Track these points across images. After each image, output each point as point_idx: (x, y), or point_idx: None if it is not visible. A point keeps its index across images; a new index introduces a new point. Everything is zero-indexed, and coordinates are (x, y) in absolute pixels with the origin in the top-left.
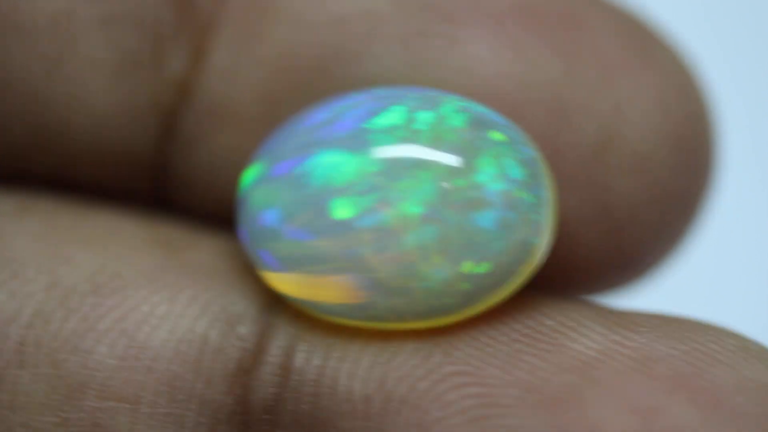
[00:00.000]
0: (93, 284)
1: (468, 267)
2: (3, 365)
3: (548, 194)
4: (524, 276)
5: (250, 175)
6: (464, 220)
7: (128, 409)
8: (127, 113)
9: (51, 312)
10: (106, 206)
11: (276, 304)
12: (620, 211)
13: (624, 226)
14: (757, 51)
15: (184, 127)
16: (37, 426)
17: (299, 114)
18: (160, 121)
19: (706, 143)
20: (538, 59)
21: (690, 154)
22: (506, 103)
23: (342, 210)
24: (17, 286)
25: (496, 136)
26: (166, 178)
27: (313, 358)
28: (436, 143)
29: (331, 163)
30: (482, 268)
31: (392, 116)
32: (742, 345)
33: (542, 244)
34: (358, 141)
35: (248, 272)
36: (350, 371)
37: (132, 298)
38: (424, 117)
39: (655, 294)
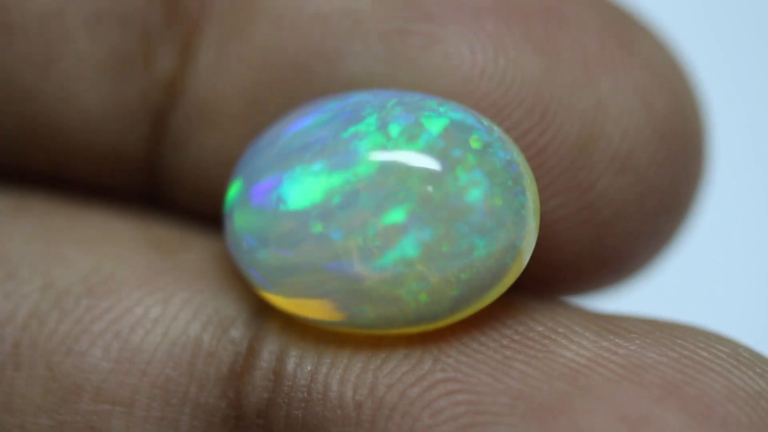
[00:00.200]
0: (87, 286)
1: (453, 274)
2: None
3: (531, 197)
4: (511, 279)
5: (232, 192)
6: (447, 228)
7: (123, 412)
8: (117, 112)
9: (46, 314)
10: (100, 206)
11: (267, 307)
12: (605, 210)
13: (609, 225)
14: (745, 44)
15: (174, 126)
16: (32, 428)
17: (278, 122)
18: (150, 119)
19: (692, 139)
20: (519, 57)
21: (676, 151)
22: (487, 102)
23: (322, 224)
24: (12, 288)
25: (475, 141)
26: (157, 177)
27: (304, 364)
28: (414, 151)
29: (309, 178)
30: (468, 273)
31: (370, 124)
32: (733, 352)
33: (527, 246)
34: (337, 152)
35: (240, 274)
36: (341, 377)
37: (126, 300)
38: (402, 124)
39: (643, 294)
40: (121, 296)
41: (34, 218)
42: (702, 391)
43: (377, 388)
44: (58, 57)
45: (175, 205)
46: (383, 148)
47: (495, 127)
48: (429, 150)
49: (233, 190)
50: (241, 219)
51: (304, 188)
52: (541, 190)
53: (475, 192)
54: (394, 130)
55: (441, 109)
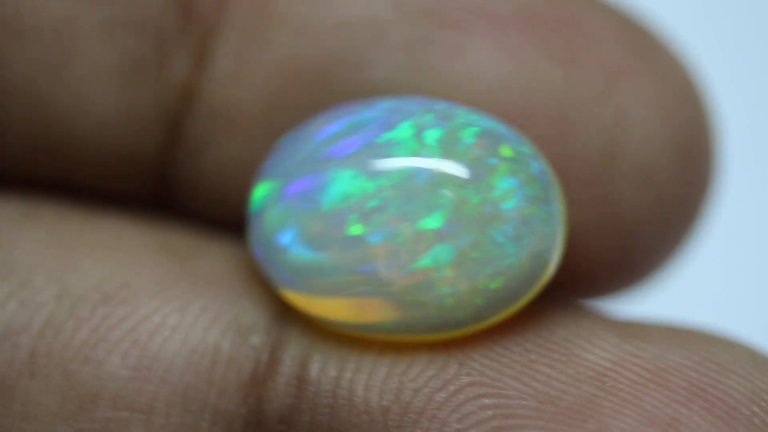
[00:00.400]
0: (102, 293)
1: (482, 282)
2: (15, 375)
3: (559, 208)
4: (537, 288)
5: (260, 192)
6: (479, 236)
7: (141, 419)
8: (131, 118)
9: (62, 322)
10: (112, 212)
11: (287, 313)
12: (626, 217)
13: (629, 232)
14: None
15: (189, 132)
16: None
17: (306, 125)
18: (164, 125)
19: (707, 147)
20: (541, 67)
21: (692, 159)
22: (510, 111)
23: (357, 226)
24: (27, 296)
25: (508, 150)
26: (170, 183)
27: (328, 369)
28: (448, 158)
29: (345, 181)
30: (496, 282)
31: (404, 131)
32: (753, 356)
33: (555, 256)
34: (371, 157)
35: (258, 281)
36: (366, 382)
37: (143, 308)
38: (436, 132)
39: (659, 298)
40: (137, 304)
41: (47, 224)
42: (726, 393)
43: (403, 393)
44: (71, 62)
45: (188, 211)
46: (417, 154)
47: (524, 137)
48: (463, 157)
49: (261, 190)
50: (272, 217)
51: (338, 191)
52: (566, 198)
53: (508, 200)
54: (428, 137)
55: (472, 118)
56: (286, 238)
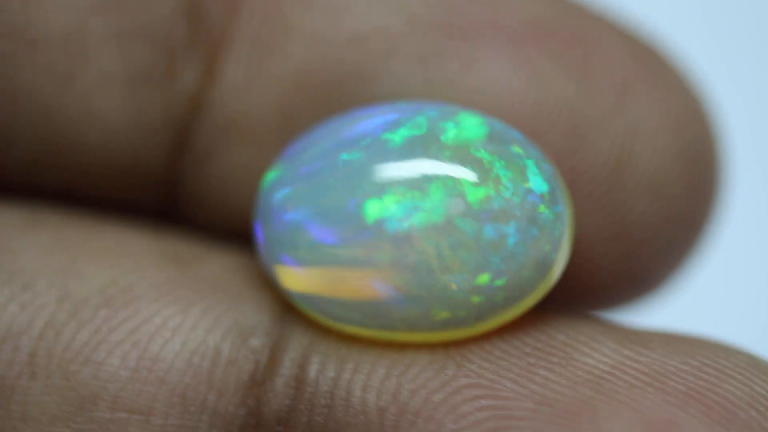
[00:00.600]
0: (104, 297)
1: (485, 279)
2: (14, 376)
3: (567, 213)
4: (540, 292)
5: (271, 176)
6: (485, 232)
7: (140, 420)
8: (139, 128)
9: (62, 324)
10: (116, 220)
11: (288, 316)
12: (634, 230)
13: (638, 245)
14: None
15: (197, 142)
16: None
17: (319, 124)
18: (172, 135)
19: (714, 161)
20: (553, 79)
21: (700, 172)
22: (522, 123)
23: (366, 214)
24: (28, 299)
25: (518, 149)
26: (177, 193)
27: (326, 370)
28: (458, 154)
29: (356, 167)
30: (500, 281)
31: (413, 127)
32: (752, 361)
33: (560, 260)
34: (380, 150)
35: (260, 285)
36: (364, 383)
37: (144, 310)
38: (446, 128)
39: (665, 309)
40: (139, 307)
41: (51, 231)
42: (724, 397)
43: (401, 394)
44: (79, 72)
45: (194, 220)
46: (427, 149)
47: (531, 142)
48: (473, 154)
49: (273, 174)
50: (284, 194)
51: (349, 175)
52: (575, 208)
53: (516, 199)
54: (438, 132)
55: (482, 119)
56: (294, 215)
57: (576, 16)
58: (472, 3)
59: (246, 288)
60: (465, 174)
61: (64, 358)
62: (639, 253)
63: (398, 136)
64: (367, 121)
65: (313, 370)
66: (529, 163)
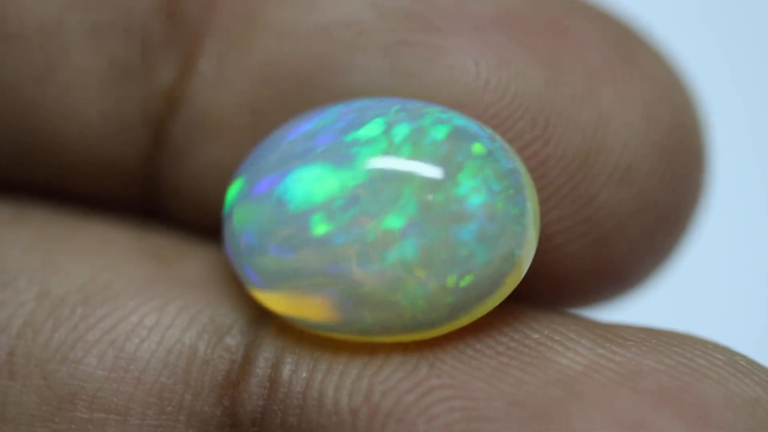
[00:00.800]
0: (83, 294)
1: (452, 280)
2: None
3: (531, 205)
4: (509, 287)
5: (233, 191)
6: (446, 234)
7: (118, 420)
8: (116, 122)
9: (41, 322)
10: (98, 217)
11: (264, 316)
12: (605, 223)
13: (609, 237)
14: (747, 58)
15: (174, 137)
16: None
17: (281, 127)
18: (149, 130)
19: (693, 153)
20: (522, 69)
21: (677, 165)
22: (490, 113)
23: (323, 225)
24: (8, 297)
25: (478, 148)
26: (155, 188)
27: (299, 370)
28: (416, 156)
29: (311, 179)
30: (466, 281)
31: (373, 129)
32: (730, 360)
33: (526, 255)
34: (339, 155)
35: (237, 284)
36: (337, 383)
37: (121, 308)
38: (405, 129)
39: (644, 306)
40: (116, 305)
41: (32, 228)
42: (698, 397)
43: (373, 395)
44: (56, 68)
45: (173, 215)
46: (385, 152)
47: (497, 136)
48: (431, 156)
49: (233, 190)
50: (240, 216)
51: (305, 190)
52: (542, 201)
53: (475, 199)
54: (397, 135)
55: (444, 116)
56: (251, 236)
57: (547, 4)
58: None
59: (223, 286)
60: (424, 175)
61: (42, 357)
62: (611, 248)
63: (355, 140)
64: (325, 126)
65: (286, 370)
66: (490, 161)
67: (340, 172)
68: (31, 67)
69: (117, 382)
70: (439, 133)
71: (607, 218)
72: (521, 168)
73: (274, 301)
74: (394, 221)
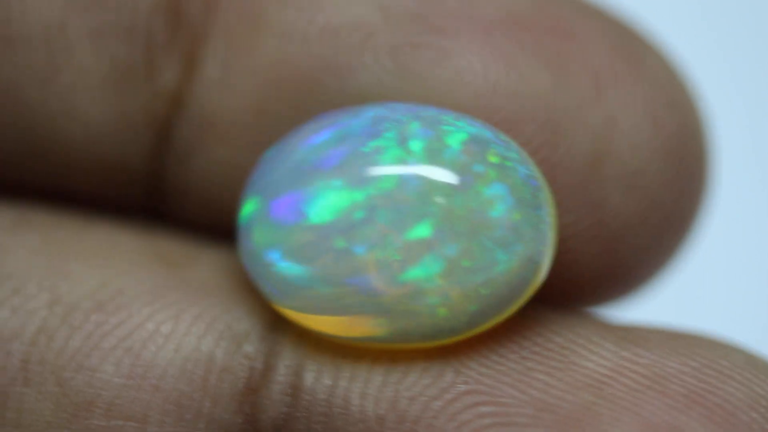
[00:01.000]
0: (96, 301)
1: (473, 289)
2: (7, 383)
3: (549, 212)
4: (528, 293)
5: (248, 208)
6: (468, 243)
7: (136, 428)
8: (120, 125)
9: (54, 329)
10: (104, 220)
11: (281, 321)
12: (614, 225)
13: (618, 239)
14: (750, 61)
15: (178, 139)
16: None
17: (292, 135)
18: (154, 132)
19: (698, 154)
20: (529, 71)
21: (683, 167)
22: (498, 117)
23: (345, 239)
24: (19, 303)
25: (494, 155)
26: (160, 189)
27: (322, 378)
28: (435, 166)
29: (331, 193)
30: (487, 289)
31: (390, 139)
32: (751, 361)
33: (545, 261)
34: (357, 167)
35: (250, 288)
36: (362, 391)
37: (136, 315)
38: (423, 139)
39: (654, 306)
40: (131, 312)
41: (38, 232)
42: (725, 399)
43: (399, 402)
44: (60, 69)
45: (179, 217)
46: (404, 163)
47: (512, 143)
48: (450, 164)
49: (249, 206)
50: (260, 234)
51: (325, 203)
52: (556, 208)
53: (497, 207)
54: (414, 145)
55: (459, 124)
56: (274, 255)
57: (554, 6)
58: None
59: (237, 291)
60: (445, 185)
61: (57, 364)
62: (619, 247)
63: (373, 151)
64: (341, 136)
65: (309, 377)
66: (509, 169)
67: (360, 184)
68: (34, 69)
69: (134, 389)
70: (456, 141)
71: (616, 220)
72: (537, 174)
73: (297, 314)
74: (415, 231)
